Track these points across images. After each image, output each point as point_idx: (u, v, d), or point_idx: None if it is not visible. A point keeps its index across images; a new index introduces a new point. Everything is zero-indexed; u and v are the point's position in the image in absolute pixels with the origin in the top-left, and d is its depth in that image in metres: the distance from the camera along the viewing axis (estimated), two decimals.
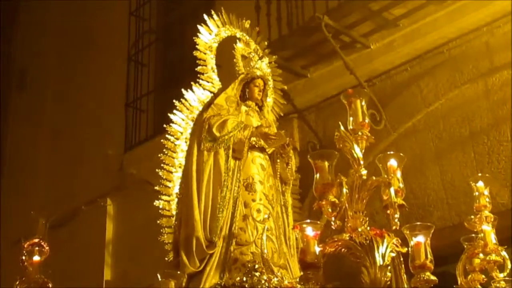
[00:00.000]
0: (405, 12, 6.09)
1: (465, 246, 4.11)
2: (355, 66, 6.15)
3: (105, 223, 7.91)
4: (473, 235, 4.09)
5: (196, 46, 5.27)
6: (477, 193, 4.05)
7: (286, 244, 4.89)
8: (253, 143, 4.98)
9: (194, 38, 5.29)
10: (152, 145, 7.36)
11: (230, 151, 4.89)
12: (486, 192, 4.03)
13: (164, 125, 5.26)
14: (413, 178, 5.76)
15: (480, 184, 4.05)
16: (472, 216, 4.04)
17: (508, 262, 4.02)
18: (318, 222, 3.40)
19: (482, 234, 3.99)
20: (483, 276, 4.07)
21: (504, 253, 3.98)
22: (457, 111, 5.84)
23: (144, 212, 7.28)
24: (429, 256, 3.44)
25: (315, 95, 6.62)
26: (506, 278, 3.99)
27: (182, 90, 5.23)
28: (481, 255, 4.00)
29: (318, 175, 3.57)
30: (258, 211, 4.82)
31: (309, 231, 3.39)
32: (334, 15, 6.10)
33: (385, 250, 3.35)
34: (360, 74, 6.14)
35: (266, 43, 5.63)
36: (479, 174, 4.26)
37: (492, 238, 3.96)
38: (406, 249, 3.50)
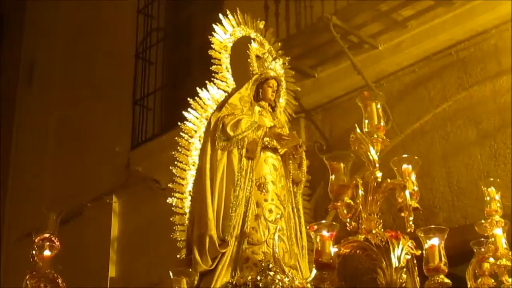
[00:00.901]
0: (414, 14, 6.09)
1: (475, 250, 4.11)
2: (363, 67, 6.16)
3: (110, 220, 7.89)
4: (482, 239, 4.11)
5: (212, 45, 5.26)
6: (488, 198, 4.07)
7: (297, 245, 4.90)
8: (266, 143, 4.98)
9: (209, 37, 5.28)
10: (158, 143, 7.40)
11: (244, 150, 4.89)
12: (497, 197, 4.05)
13: (179, 123, 5.24)
14: (419, 179, 5.62)
15: (492, 189, 4.06)
16: (483, 221, 4.05)
17: None
18: (334, 223, 3.41)
19: (492, 239, 3.99)
20: (493, 280, 4.07)
21: None
22: (464, 113, 5.84)
23: (150, 209, 7.32)
24: (443, 259, 3.47)
25: (323, 95, 6.62)
26: None
27: (197, 88, 5.23)
28: (491, 259, 4.00)
29: (333, 176, 3.59)
30: (270, 211, 4.83)
31: (325, 231, 3.40)
32: (343, 16, 6.11)
33: (400, 252, 3.38)
34: (367, 75, 6.14)
35: (280, 44, 5.63)
36: (491, 179, 4.25)
37: (503, 242, 3.97)
38: (420, 251, 3.53)
